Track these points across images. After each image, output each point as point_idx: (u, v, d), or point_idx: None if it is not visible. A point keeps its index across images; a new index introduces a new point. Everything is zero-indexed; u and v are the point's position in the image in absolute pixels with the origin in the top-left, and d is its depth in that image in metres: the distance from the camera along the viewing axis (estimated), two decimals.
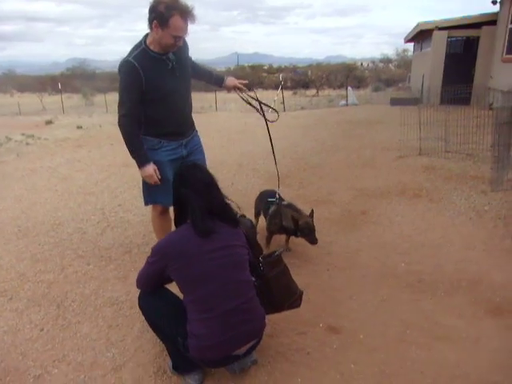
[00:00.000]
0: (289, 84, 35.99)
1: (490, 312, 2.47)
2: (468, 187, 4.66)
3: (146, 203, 2.89)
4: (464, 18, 12.46)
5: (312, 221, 3.11)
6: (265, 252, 3.24)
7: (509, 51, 10.63)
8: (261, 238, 3.53)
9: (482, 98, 10.28)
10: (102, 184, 5.68)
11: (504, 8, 11.08)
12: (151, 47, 2.48)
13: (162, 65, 2.52)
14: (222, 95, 22.83)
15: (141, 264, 3.22)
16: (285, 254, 3.30)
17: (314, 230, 3.07)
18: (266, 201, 3.34)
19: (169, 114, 2.60)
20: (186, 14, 2.34)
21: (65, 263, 3.38)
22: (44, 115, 15.61)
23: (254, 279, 1.96)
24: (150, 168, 2.60)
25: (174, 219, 1.96)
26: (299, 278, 2.93)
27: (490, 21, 11.97)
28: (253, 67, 50.35)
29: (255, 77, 40.02)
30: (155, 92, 2.50)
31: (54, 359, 2.26)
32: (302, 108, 15.13)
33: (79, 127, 11.34)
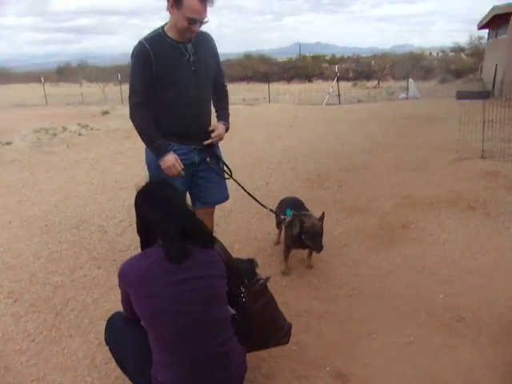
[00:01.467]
0: (350, 75, 34.80)
1: None
2: None
3: None
4: None
5: (321, 225, 2.71)
6: (283, 268, 2.94)
7: None
8: (279, 251, 3.21)
9: None
10: (135, 179, 5.59)
11: None
12: (168, 33, 2.22)
13: (177, 53, 2.23)
14: (276, 86, 22.44)
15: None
16: (304, 272, 2.96)
17: (320, 235, 2.67)
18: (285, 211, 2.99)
19: (181, 109, 2.31)
20: None
21: (76, 265, 3.26)
22: (104, 105, 16.15)
23: (234, 312, 1.66)
24: (172, 157, 2.28)
25: (141, 245, 1.68)
26: (315, 303, 2.59)
27: None
28: (314, 57, 49.29)
29: (316, 67, 39.11)
30: (166, 80, 2.23)
31: (33, 378, 2.11)
32: (359, 101, 14.37)
33: None
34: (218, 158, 2.59)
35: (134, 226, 1.77)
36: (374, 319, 2.39)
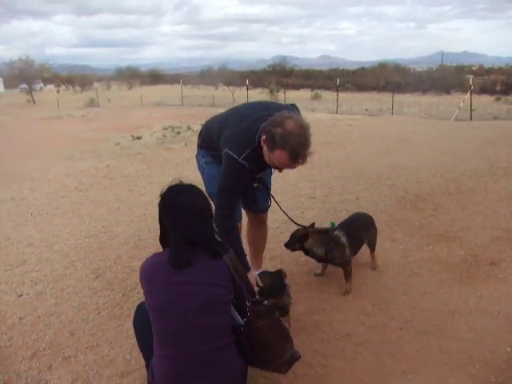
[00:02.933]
0: (498, 88, 31.36)
1: None
2: None
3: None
4: None
5: (306, 232, 2.70)
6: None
7: None
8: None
9: None
10: None
11: None
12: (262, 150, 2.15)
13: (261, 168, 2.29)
14: (406, 97, 21.25)
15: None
16: (360, 295, 2.81)
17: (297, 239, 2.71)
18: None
19: None
20: (295, 156, 2.00)
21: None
22: (214, 108, 17.20)
23: (242, 323, 1.69)
24: (253, 275, 2.26)
25: (160, 239, 1.82)
26: (360, 328, 2.45)
27: None
28: (458, 67, 45.45)
29: (456, 78, 35.95)
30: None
31: (88, 345, 2.42)
32: (495, 118, 12.83)
33: None
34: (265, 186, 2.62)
35: None
36: (416, 358, 2.18)
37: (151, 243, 3.81)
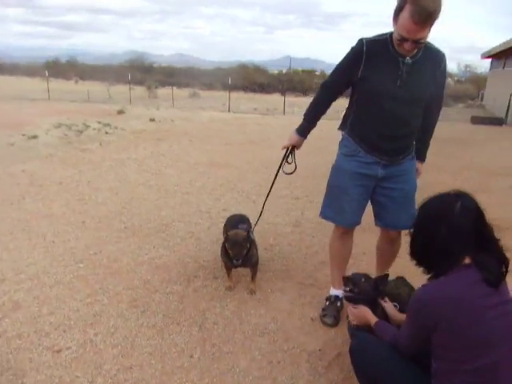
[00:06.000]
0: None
1: None
2: None
3: (322, 215, 2.48)
4: None
5: (246, 235, 2.67)
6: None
7: None
8: None
9: None
10: (195, 183, 5.41)
11: None
12: (394, 42, 2.05)
13: (392, 64, 2.08)
14: (275, 97, 22.45)
15: (278, 285, 2.90)
16: None
17: (240, 244, 2.63)
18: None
19: (377, 122, 2.18)
20: (418, 13, 1.82)
21: (189, 273, 3.08)
22: (111, 104, 15.81)
23: None
24: (295, 138, 2.45)
25: (426, 266, 1.54)
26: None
27: None
28: (304, 71, 49.84)
29: (307, 82, 39.35)
30: (371, 87, 2.13)
31: None
32: None
33: (152, 120, 11.29)
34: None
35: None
36: None
37: (171, 261, 3.23)
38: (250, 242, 2.69)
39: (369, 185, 2.32)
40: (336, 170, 2.39)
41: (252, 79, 37.37)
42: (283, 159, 2.60)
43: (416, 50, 2.04)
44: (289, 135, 2.49)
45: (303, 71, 51.36)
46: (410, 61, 2.05)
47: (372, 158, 2.26)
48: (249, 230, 2.82)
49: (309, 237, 3.82)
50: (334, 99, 2.35)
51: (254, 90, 35.09)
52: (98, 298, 2.71)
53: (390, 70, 2.08)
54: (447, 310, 1.36)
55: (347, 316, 2.05)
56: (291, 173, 2.65)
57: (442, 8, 1.90)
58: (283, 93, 36.25)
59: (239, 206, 4.57)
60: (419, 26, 1.86)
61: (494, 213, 4.74)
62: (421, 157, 2.41)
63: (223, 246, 2.77)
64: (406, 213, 2.28)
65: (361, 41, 2.12)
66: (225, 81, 38.17)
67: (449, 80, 37.36)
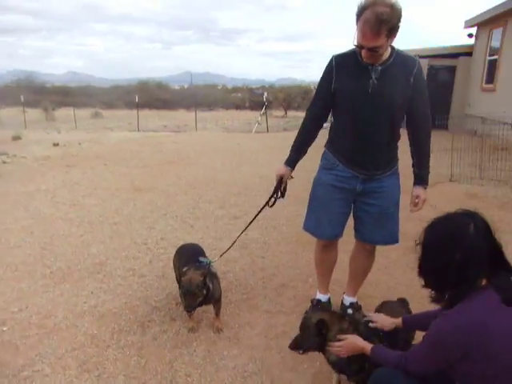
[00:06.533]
0: (247, 105, 36.03)
1: None
2: None
3: (304, 227, 2.47)
4: (443, 47, 12.98)
5: (202, 281, 2.35)
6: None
7: (488, 81, 11.15)
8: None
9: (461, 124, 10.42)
10: (122, 212, 4.94)
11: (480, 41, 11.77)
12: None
13: (362, 73, 2.07)
14: (181, 113, 22.16)
15: (245, 318, 2.66)
16: None
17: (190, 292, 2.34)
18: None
19: (349, 130, 2.19)
20: (370, 21, 1.85)
21: (141, 318, 2.72)
22: (3, 130, 14.18)
23: None
24: (282, 169, 2.39)
25: (437, 290, 1.45)
26: None
27: (467, 52, 12.62)
28: (208, 86, 50.11)
29: (212, 96, 39.59)
30: (343, 98, 2.16)
31: None
32: (285, 129, 14.93)
33: (55, 144, 10.28)
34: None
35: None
36: None
37: (121, 307, 2.83)
38: (206, 288, 2.39)
39: (348, 198, 2.32)
40: (316, 182, 2.41)
41: (155, 96, 36.43)
42: (274, 192, 2.48)
43: (386, 58, 2.05)
44: (277, 167, 2.44)
45: (205, 86, 51.61)
46: (379, 67, 2.05)
47: (350, 171, 2.25)
48: (208, 264, 2.56)
49: (259, 258, 3.66)
50: (320, 125, 2.34)
51: (158, 107, 34.28)
52: (37, 369, 2.25)
53: (361, 78, 2.08)
54: (475, 338, 1.28)
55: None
56: (272, 205, 2.54)
57: (401, 20, 1.93)
58: (188, 108, 36.02)
59: (177, 232, 4.25)
60: (373, 33, 1.89)
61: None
62: (420, 182, 2.27)
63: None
64: (383, 229, 2.30)
65: (331, 57, 2.18)
66: (126, 99, 36.78)
67: None
